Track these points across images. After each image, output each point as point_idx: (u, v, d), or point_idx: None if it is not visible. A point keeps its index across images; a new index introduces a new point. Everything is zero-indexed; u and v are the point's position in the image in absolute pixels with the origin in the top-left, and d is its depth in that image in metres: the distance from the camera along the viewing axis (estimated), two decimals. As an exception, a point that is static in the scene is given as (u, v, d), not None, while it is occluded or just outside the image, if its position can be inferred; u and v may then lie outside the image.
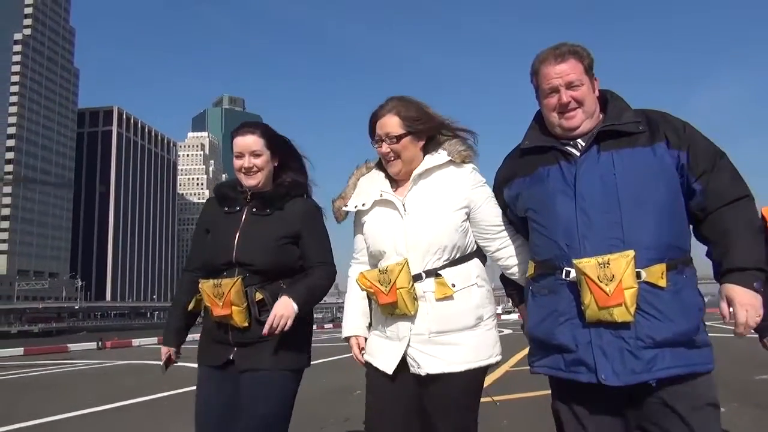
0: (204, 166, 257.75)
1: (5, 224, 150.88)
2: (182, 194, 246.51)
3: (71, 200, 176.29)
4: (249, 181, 2.35)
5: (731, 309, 1.74)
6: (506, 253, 2.12)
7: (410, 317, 2.04)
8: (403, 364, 2.06)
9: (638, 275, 1.71)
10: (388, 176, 2.21)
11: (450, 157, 2.10)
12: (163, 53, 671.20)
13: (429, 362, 2.01)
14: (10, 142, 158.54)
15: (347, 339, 2.27)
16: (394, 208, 2.11)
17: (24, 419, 6.41)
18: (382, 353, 2.11)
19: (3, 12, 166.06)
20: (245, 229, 2.31)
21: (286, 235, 2.30)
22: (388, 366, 2.07)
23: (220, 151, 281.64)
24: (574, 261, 1.75)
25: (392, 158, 2.13)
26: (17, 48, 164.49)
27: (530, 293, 1.97)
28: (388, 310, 2.07)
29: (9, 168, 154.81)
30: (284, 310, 2.17)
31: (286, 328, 2.17)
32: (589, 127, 1.91)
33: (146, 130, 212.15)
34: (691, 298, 1.78)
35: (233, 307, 2.21)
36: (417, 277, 2.04)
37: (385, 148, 2.12)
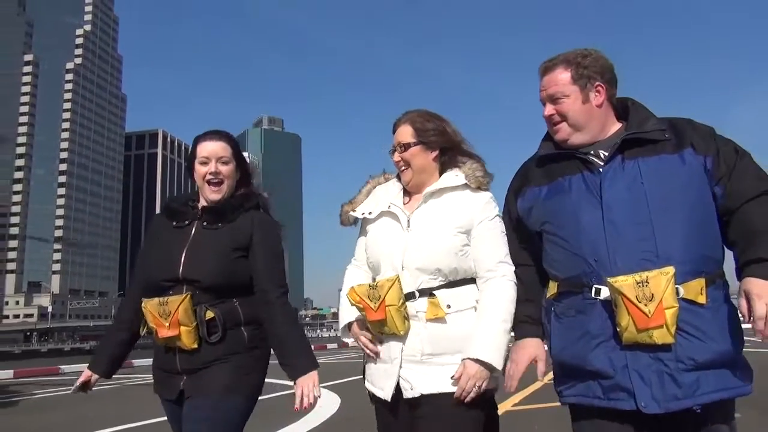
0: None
1: (58, 246, 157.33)
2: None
3: (119, 221, 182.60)
4: (213, 195, 2.20)
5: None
6: (485, 296, 1.97)
7: (401, 337, 1.96)
8: (403, 387, 1.97)
9: (676, 291, 1.60)
10: (403, 189, 2.19)
11: (466, 181, 2.06)
12: (204, 76, 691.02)
13: (422, 382, 1.93)
14: (63, 167, 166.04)
15: (348, 327, 2.15)
16: (399, 222, 2.08)
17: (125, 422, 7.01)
18: (379, 379, 2.03)
19: (56, 43, 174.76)
20: (194, 244, 2.15)
21: (237, 247, 2.14)
22: (386, 393, 1.99)
23: (260, 171, 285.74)
24: (609, 280, 1.63)
25: (403, 167, 2.12)
26: (69, 77, 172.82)
27: (553, 315, 1.83)
28: (378, 328, 2.00)
29: (62, 191, 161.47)
30: (309, 381, 2.05)
31: (317, 397, 2.05)
32: (584, 139, 1.82)
33: (189, 150, 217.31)
34: (732, 314, 1.68)
35: (181, 328, 2.04)
36: (410, 296, 1.97)
37: (396, 156, 2.13)
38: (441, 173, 2.12)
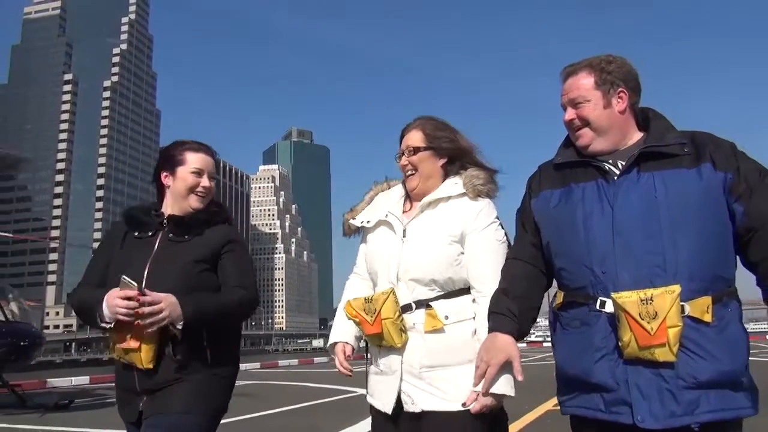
0: (275, 198, 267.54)
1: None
2: (255, 225, 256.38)
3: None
4: (197, 204, 2.14)
5: None
6: (480, 318, 1.90)
7: (400, 350, 1.94)
8: (404, 401, 1.93)
9: (681, 309, 1.58)
10: (405, 196, 2.15)
11: (464, 189, 2.02)
12: (235, 90, 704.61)
13: (423, 398, 1.89)
14: (100, 181, 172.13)
15: (333, 346, 2.14)
16: (395, 232, 2.05)
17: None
18: (380, 392, 2.00)
19: (95, 63, 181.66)
20: (158, 256, 2.05)
21: (203, 259, 2.05)
22: (387, 405, 1.95)
23: (290, 183, 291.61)
24: (613, 295, 1.61)
25: (410, 172, 2.08)
26: (106, 94, 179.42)
27: (559, 325, 1.81)
28: (376, 341, 1.99)
29: (99, 205, 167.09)
30: (167, 306, 1.88)
31: (154, 321, 1.87)
32: (606, 146, 1.78)
33: (221, 164, 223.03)
34: (738, 334, 1.65)
35: (142, 344, 1.94)
36: (407, 308, 1.94)
37: (403, 160, 2.08)
38: (445, 178, 2.09)
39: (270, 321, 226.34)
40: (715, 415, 1.58)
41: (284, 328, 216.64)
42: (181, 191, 2.13)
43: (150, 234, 2.12)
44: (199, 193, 2.14)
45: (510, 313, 1.80)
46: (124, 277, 1.92)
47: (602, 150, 1.79)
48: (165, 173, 2.16)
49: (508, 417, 1.99)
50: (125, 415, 2.07)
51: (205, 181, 2.15)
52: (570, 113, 1.80)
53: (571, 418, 1.80)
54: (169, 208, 2.16)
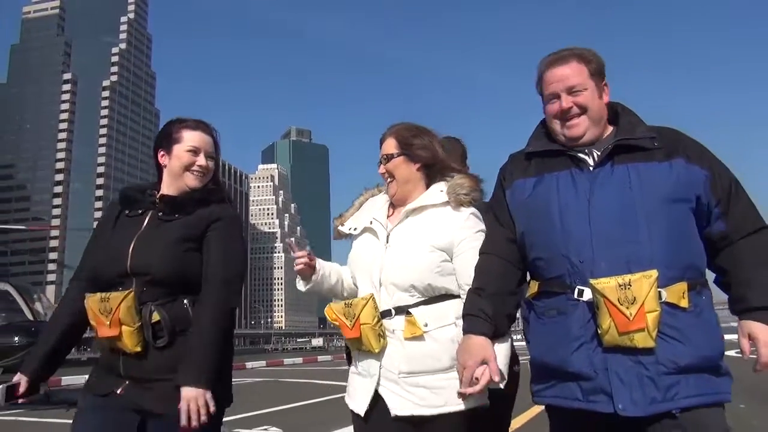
0: (274, 197, 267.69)
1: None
2: (254, 224, 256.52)
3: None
4: (194, 183, 2.06)
5: (752, 346, 1.65)
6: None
7: (379, 354, 1.96)
8: (381, 405, 1.95)
9: (659, 295, 1.60)
10: (389, 202, 2.18)
11: (447, 198, 2.03)
12: (233, 89, 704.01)
13: (399, 403, 1.91)
14: (100, 181, 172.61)
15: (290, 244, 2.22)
16: (378, 239, 2.07)
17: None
18: (356, 393, 2.03)
19: (93, 62, 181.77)
20: (144, 234, 1.99)
21: (189, 238, 1.97)
22: (360, 407, 1.98)
23: (289, 182, 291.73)
24: (591, 281, 1.62)
25: (388, 179, 2.12)
26: (105, 94, 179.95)
27: (533, 315, 1.80)
28: (355, 345, 2.02)
29: (98, 204, 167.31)
30: (194, 398, 1.79)
31: (204, 416, 1.79)
32: (595, 135, 1.79)
33: (219, 163, 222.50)
34: (713, 320, 1.70)
35: (123, 327, 1.85)
36: (386, 314, 1.96)
37: (381, 168, 2.12)
38: (428, 186, 2.11)
39: (269, 320, 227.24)
40: (695, 399, 1.59)
41: (283, 327, 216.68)
42: (176, 170, 2.06)
43: (140, 212, 2.05)
44: (194, 172, 2.06)
45: (483, 314, 1.78)
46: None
47: (592, 139, 1.79)
48: (162, 152, 2.10)
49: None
50: (95, 387, 1.95)
51: (201, 160, 2.06)
52: (567, 100, 1.77)
53: (546, 408, 1.79)
54: (165, 188, 2.09)
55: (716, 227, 1.72)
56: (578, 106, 1.77)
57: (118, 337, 1.87)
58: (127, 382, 1.89)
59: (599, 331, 1.63)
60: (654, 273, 1.59)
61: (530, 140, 1.91)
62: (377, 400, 1.96)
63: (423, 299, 1.96)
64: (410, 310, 1.95)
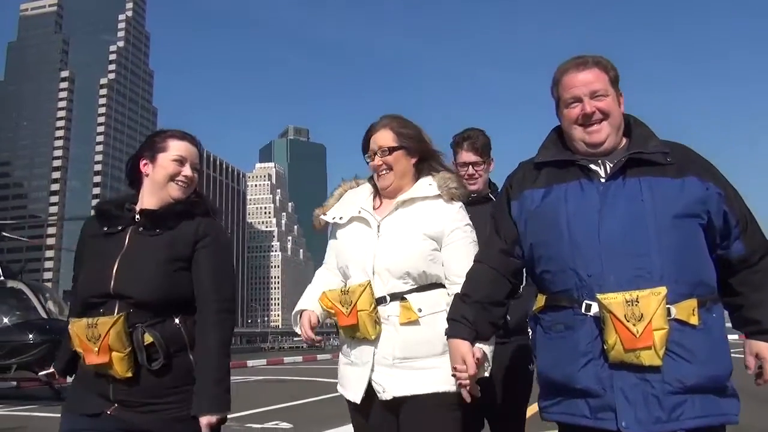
0: (271, 196, 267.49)
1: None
2: (251, 223, 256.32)
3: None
4: (177, 194, 1.98)
5: (759, 365, 1.69)
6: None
7: (373, 341, 1.98)
8: (373, 392, 1.98)
9: (668, 312, 1.56)
10: (374, 194, 2.19)
11: (439, 192, 2.07)
12: (231, 88, 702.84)
13: (394, 385, 1.94)
14: (97, 179, 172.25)
15: (299, 314, 2.16)
16: (370, 228, 2.08)
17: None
18: (350, 382, 2.05)
19: (91, 60, 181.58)
20: (128, 253, 1.88)
21: (177, 258, 1.89)
22: (356, 396, 2.00)
23: (286, 181, 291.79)
24: (599, 296, 1.58)
25: (384, 171, 2.11)
26: (103, 92, 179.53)
27: (540, 329, 1.78)
28: (349, 333, 2.02)
29: (95, 203, 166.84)
30: (214, 426, 1.79)
31: None
32: (614, 143, 1.75)
33: (217, 162, 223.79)
34: (723, 339, 1.66)
35: (113, 354, 1.76)
36: (381, 300, 1.99)
37: (377, 161, 2.11)
38: (416, 180, 2.14)
39: (266, 319, 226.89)
40: (701, 421, 1.56)
41: (279, 326, 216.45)
42: (160, 179, 1.98)
43: (120, 229, 1.95)
44: (179, 182, 1.99)
45: (464, 319, 1.81)
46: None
47: (611, 147, 1.76)
48: (144, 161, 2.01)
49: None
50: (82, 407, 1.86)
51: (186, 170, 2.00)
52: (590, 104, 1.73)
53: (562, 427, 1.78)
54: (146, 199, 2.00)
55: (735, 248, 1.71)
56: (601, 112, 1.73)
57: (108, 364, 1.78)
58: (116, 405, 1.82)
59: (605, 347, 1.60)
60: (663, 290, 1.55)
61: (541, 149, 1.87)
62: (372, 387, 1.98)
63: (416, 286, 2.01)
64: (405, 296, 1.99)
